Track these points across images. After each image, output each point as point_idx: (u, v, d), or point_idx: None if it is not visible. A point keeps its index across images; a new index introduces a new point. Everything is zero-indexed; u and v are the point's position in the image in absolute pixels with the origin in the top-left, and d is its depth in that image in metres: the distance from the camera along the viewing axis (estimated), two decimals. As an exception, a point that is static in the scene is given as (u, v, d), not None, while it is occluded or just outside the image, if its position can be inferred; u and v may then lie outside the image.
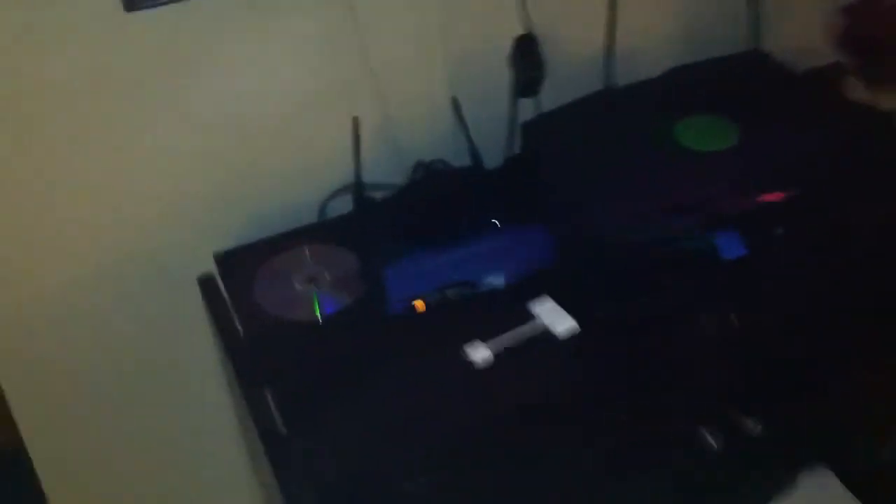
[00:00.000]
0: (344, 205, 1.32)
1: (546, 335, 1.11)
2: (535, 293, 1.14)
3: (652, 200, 1.11)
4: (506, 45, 1.32)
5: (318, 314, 1.15)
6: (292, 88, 1.28)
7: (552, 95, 1.33)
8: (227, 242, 1.29)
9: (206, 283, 1.26)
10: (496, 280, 1.15)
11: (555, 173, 1.21)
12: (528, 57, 1.30)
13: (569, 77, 1.36)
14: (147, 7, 1.12)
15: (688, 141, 1.19)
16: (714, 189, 1.12)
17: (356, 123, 1.22)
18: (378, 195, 1.30)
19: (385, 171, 1.33)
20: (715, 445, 1.15)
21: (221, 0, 1.17)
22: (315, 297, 1.17)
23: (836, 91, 1.35)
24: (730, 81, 1.29)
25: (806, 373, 1.24)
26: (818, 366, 1.23)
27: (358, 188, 1.26)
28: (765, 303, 1.12)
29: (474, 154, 1.28)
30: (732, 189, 1.12)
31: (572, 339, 1.10)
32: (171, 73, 1.20)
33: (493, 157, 1.35)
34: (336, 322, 1.15)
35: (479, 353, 1.08)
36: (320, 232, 1.28)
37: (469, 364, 1.08)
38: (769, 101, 1.26)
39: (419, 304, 1.12)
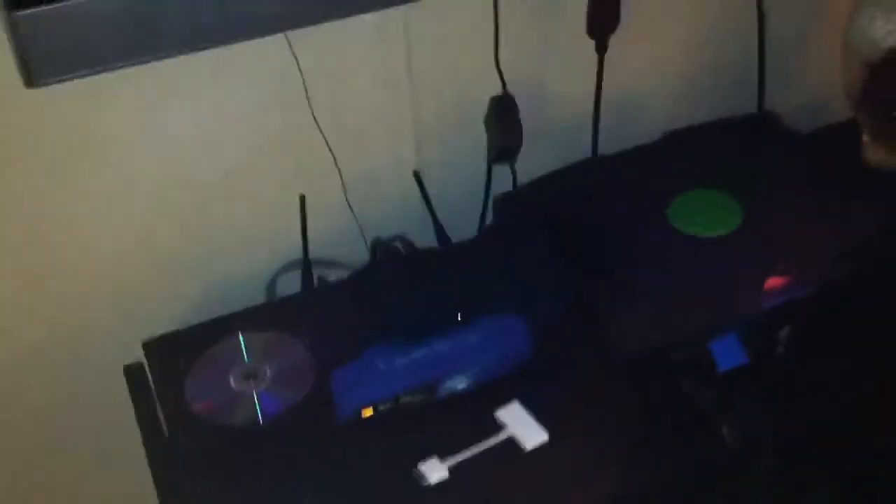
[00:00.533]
0: (295, 282, 1.17)
1: (512, 447, 0.96)
2: (506, 396, 1.00)
3: (637, 302, 0.96)
4: (481, 106, 1.18)
5: (256, 419, 1.00)
6: (237, 156, 1.13)
7: (535, 161, 1.18)
8: (163, 325, 1.14)
9: (133, 374, 1.11)
10: (459, 384, 1.00)
11: (530, 260, 1.06)
12: (504, 119, 1.15)
13: (551, 142, 1.22)
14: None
15: (684, 224, 1.04)
16: (711, 288, 0.96)
17: (303, 202, 1.07)
18: (332, 274, 1.15)
19: (341, 246, 1.18)
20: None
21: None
22: (255, 398, 1.02)
23: (852, 157, 1.20)
24: (733, 149, 1.15)
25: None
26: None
27: (305, 269, 1.11)
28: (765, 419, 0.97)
29: (440, 234, 1.13)
30: (735, 288, 0.97)
31: (540, 451, 0.96)
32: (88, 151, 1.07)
33: (465, 231, 1.20)
34: (274, 430, 1.00)
35: (434, 472, 0.93)
36: (264, 316, 1.13)
37: (422, 484, 0.93)
38: (778, 173, 1.10)
39: (368, 413, 0.97)
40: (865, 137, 1.22)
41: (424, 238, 1.18)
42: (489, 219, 1.23)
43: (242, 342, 1.07)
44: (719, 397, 0.93)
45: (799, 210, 1.05)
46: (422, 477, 0.93)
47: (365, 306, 1.06)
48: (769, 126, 1.20)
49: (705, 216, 1.04)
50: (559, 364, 1.02)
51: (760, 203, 1.05)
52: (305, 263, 1.10)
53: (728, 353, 0.94)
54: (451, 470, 0.93)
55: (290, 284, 1.17)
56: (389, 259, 1.12)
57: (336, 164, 1.14)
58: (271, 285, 1.17)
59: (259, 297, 1.18)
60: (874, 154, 1.21)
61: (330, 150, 1.13)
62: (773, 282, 0.98)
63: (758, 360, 0.95)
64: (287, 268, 1.17)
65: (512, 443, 0.96)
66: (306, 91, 1.08)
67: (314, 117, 1.10)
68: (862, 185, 1.12)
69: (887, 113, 1.22)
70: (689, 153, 1.13)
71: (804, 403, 0.97)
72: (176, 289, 1.19)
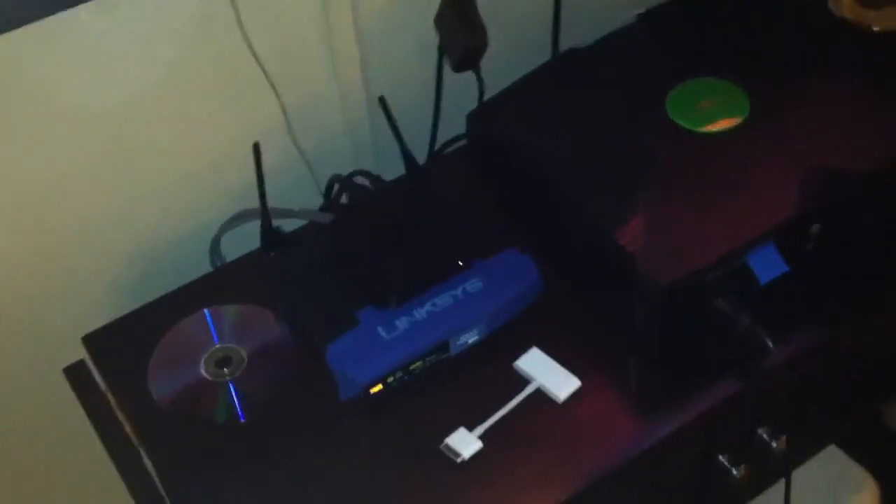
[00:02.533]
0: (243, 241, 1.02)
1: (544, 400, 0.86)
2: (522, 342, 0.89)
3: (662, 224, 0.85)
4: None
5: (236, 413, 0.87)
6: (156, 90, 0.94)
7: (494, 65, 1.04)
8: (97, 316, 0.97)
9: (76, 377, 0.95)
10: (471, 338, 0.88)
11: (523, 183, 0.93)
12: (464, 15, 0.99)
13: (512, 36, 1.07)
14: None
15: (686, 119, 0.92)
16: (741, 195, 0.86)
17: (257, 150, 0.90)
18: (286, 225, 0.99)
19: (287, 191, 1.02)
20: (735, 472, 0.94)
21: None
22: (230, 389, 0.88)
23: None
24: (726, 24, 1.02)
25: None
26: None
27: (266, 224, 0.95)
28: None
29: (410, 161, 0.98)
30: (758, 190, 0.86)
31: (575, 399, 0.85)
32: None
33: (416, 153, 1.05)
34: (265, 422, 0.86)
35: (466, 445, 0.82)
36: (223, 284, 0.97)
37: (456, 461, 0.82)
38: (777, 48, 0.99)
39: (377, 389, 0.85)
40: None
41: (383, 169, 1.03)
42: (441, 136, 1.10)
43: (210, 319, 0.92)
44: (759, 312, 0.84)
45: (804, 93, 0.95)
46: (453, 452, 0.82)
47: (343, 260, 0.92)
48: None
49: (710, 109, 0.93)
50: (576, 300, 0.92)
51: (763, 85, 0.94)
52: (265, 218, 0.94)
53: (768, 265, 0.85)
54: (483, 438, 0.83)
55: (239, 243, 1.01)
56: (358, 198, 0.97)
57: (277, 95, 0.97)
58: (215, 246, 1.00)
59: (203, 263, 1.01)
60: (845, 6, 1.12)
61: (268, 78, 0.96)
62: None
63: (797, 267, 0.86)
64: (232, 222, 1.01)
65: (542, 395, 0.86)
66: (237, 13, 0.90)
67: (247, 42, 0.92)
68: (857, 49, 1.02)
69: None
70: (678, 33, 1.00)
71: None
72: (106, 264, 1.01)
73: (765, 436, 0.96)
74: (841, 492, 1.29)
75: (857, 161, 0.88)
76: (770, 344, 0.83)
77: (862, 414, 1.29)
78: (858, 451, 1.33)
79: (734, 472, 0.95)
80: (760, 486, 1.09)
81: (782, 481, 1.05)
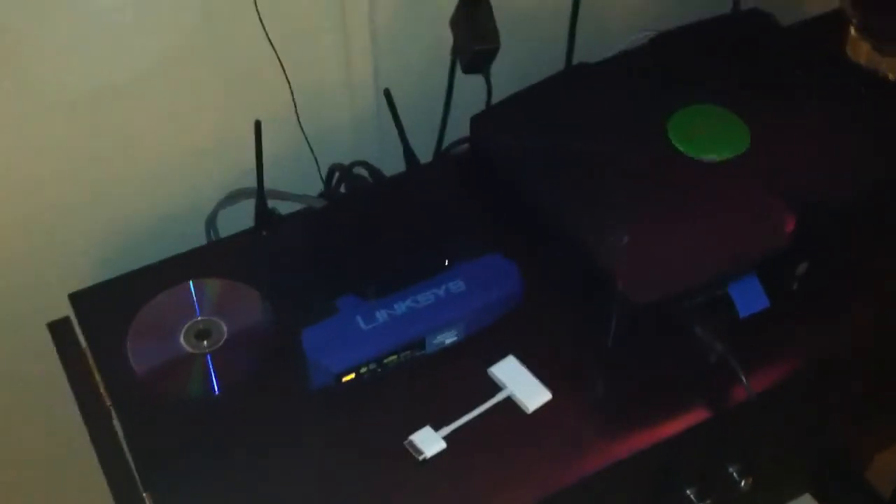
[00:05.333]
0: (240, 218, 1.03)
1: (513, 408, 0.86)
2: (499, 349, 0.89)
3: (649, 240, 0.85)
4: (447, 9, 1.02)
5: (211, 386, 0.87)
6: (165, 65, 0.95)
7: (509, 73, 1.04)
8: (88, 275, 0.98)
9: (59, 332, 0.96)
10: (448, 338, 0.88)
11: (517, 190, 0.93)
12: (476, 18, 0.99)
13: (529, 47, 1.07)
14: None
15: (685, 145, 0.92)
16: (730, 224, 0.86)
17: (258, 129, 0.91)
18: (283, 207, 1.00)
19: (291, 174, 1.03)
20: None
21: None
22: (207, 361, 0.88)
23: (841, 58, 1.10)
24: (730, 56, 1.02)
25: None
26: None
27: (261, 204, 0.96)
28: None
29: (410, 157, 0.99)
30: (751, 220, 0.86)
31: (543, 411, 0.86)
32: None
33: (422, 152, 1.05)
34: (236, 399, 0.87)
35: (430, 444, 0.83)
36: (212, 259, 0.98)
37: (417, 458, 0.82)
38: (780, 83, 0.99)
39: (349, 378, 0.85)
40: (852, 32, 1.12)
41: (382, 163, 1.04)
42: (449, 136, 1.10)
43: (193, 291, 0.93)
44: (735, 343, 0.84)
45: (806, 128, 0.95)
46: (416, 450, 0.83)
47: (331, 248, 0.92)
48: (765, 25, 1.07)
49: (710, 136, 0.93)
50: (555, 311, 0.92)
51: (766, 118, 0.94)
52: (260, 198, 0.95)
53: (749, 297, 0.85)
54: (447, 440, 0.84)
55: (234, 220, 1.02)
56: (355, 189, 0.98)
57: (287, 78, 0.98)
58: (212, 221, 1.01)
59: (198, 236, 1.02)
60: (859, 50, 1.12)
61: (281, 62, 0.97)
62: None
63: (778, 302, 0.86)
64: (229, 199, 1.02)
65: (512, 404, 0.86)
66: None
67: (261, 21, 0.93)
68: (863, 91, 1.02)
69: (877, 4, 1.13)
70: (685, 60, 1.01)
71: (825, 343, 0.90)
72: (99, 229, 1.03)
73: (734, 474, 0.96)
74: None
75: (849, 203, 0.88)
76: (743, 377, 0.84)
77: (843, 467, 1.29)
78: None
79: (699, 505, 0.95)
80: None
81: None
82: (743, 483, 0.95)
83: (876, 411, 1.15)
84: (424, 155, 1.08)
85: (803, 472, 1.17)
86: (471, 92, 1.07)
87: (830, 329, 0.91)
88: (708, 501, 0.94)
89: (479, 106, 1.04)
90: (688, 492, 0.94)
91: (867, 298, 0.93)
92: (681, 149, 0.92)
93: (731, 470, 0.96)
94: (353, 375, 0.85)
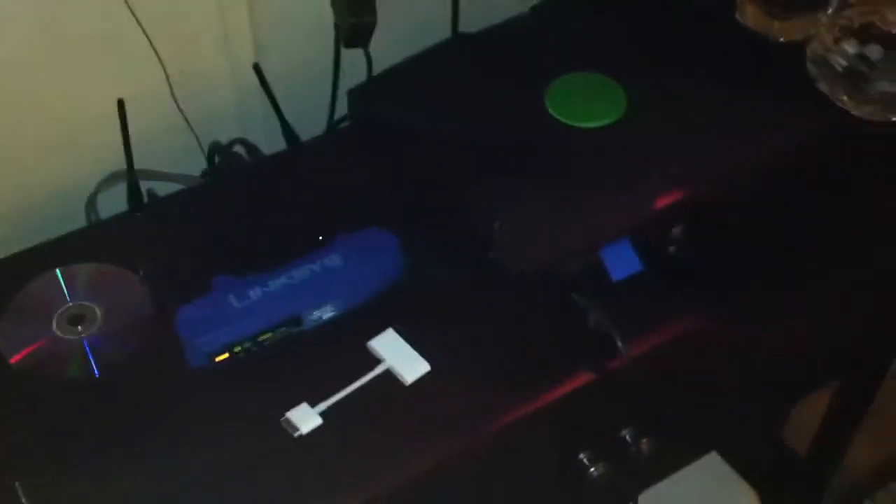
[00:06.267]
0: (120, 200, 1.00)
1: (391, 381, 0.85)
2: (378, 322, 0.88)
3: (522, 211, 0.85)
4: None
5: (89, 370, 0.85)
6: (31, 43, 0.93)
7: (389, 45, 1.03)
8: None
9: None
10: (325, 314, 0.87)
11: (396, 163, 0.92)
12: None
13: (414, 20, 1.06)
14: None
15: (563, 113, 0.92)
16: (602, 191, 0.86)
17: (121, 107, 0.89)
18: (162, 188, 0.98)
19: (172, 154, 1.01)
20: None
21: None
22: (84, 345, 0.87)
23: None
24: (614, 22, 1.02)
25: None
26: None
27: (132, 184, 0.94)
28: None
29: (289, 135, 0.97)
30: (621, 188, 0.86)
31: (422, 384, 0.85)
32: None
33: (311, 129, 1.05)
34: (111, 383, 0.85)
35: (305, 420, 0.82)
36: (85, 244, 0.96)
37: (293, 434, 0.81)
38: (661, 47, 0.99)
39: (223, 358, 0.84)
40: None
41: (267, 140, 1.02)
42: (339, 112, 1.09)
43: (61, 278, 0.91)
44: (612, 308, 0.85)
45: (687, 94, 0.95)
46: (292, 426, 0.82)
47: (207, 227, 0.91)
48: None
49: (587, 104, 0.93)
50: (434, 284, 0.91)
51: (646, 85, 0.94)
52: (131, 177, 0.93)
53: (621, 261, 0.85)
54: (324, 415, 0.83)
55: (115, 202, 1.00)
56: (232, 168, 0.96)
57: (156, 53, 0.96)
58: (91, 204, 0.99)
59: (78, 220, 1.00)
60: (751, 15, 1.12)
61: (147, 36, 0.95)
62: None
63: (652, 266, 0.86)
64: (109, 182, 1.00)
65: (390, 376, 0.86)
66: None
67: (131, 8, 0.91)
68: (748, 58, 1.03)
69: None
70: (565, 27, 1.00)
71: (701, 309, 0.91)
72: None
73: (628, 437, 0.97)
74: (719, 501, 1.30)
75: (725, 166, 0.89)
76: (619, 341, 0.84)
77: (754, 423, 1.30)
78: (743, 462, 1.34)
79: (592, 470, 0.95)
80: (632, 491, 1.09)
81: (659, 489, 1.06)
82: (639, 445, 0.96)
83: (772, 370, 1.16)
84: (316, 133, 1.07)
85: (707, 431, 1.17)
86: (362, 67, 1.06)
87: (710, 293, 0.92)
88: (601, 465, 0.94)
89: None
90: (580, 456, 0.95)
91: (753, 262, 0.94)
92: (558, 118, 0.92)
93: (623, 433, 0.97)
94: (226, 355, 0.84)
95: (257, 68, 0.94)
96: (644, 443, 0.96)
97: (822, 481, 1.45)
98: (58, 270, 0.90)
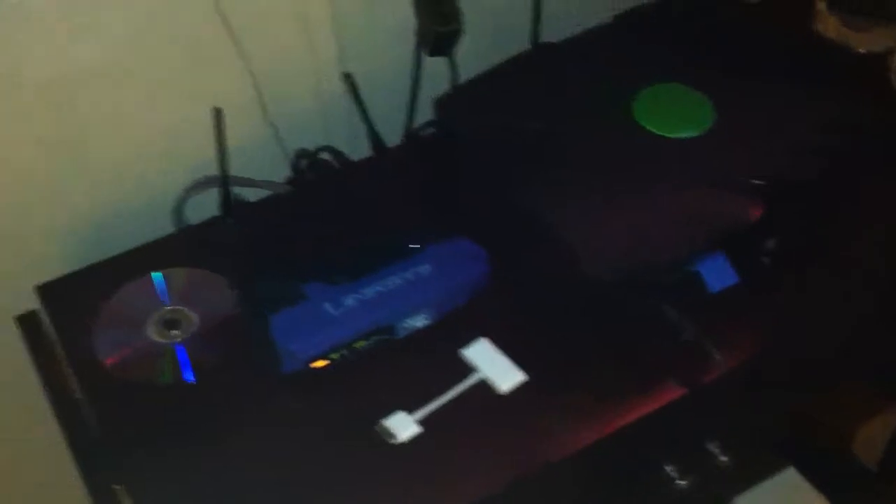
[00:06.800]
0: (207, 206, 1.01)
1: (486, 391, 0.86)
2: (470, 331, 0.89)
3: (615, 218, 0.85)
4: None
5: (184, 376, 0.87)
6: (127, 54, 0.94)
7: (475, 55, 1.03)
8: (52, 265, 0.97)
9: (28, 325, 0.95)
10: (418, 322, 0.88)
11: (484, 172, 0.92)
12: (437, 1, 0.99)
13: (494, 28, 1.06)
14: None
15: (651, 123, 0.92)
16: (697, 201, 0.86)
17: (218, 116, 0.90)
18: (249, 194, 0.99)
19: (256, 161, 1.02)
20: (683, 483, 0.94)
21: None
22: (174, 351, 0.88)
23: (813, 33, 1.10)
24: (695, 33, 1.02)
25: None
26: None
27: (224, 192, 0.95)
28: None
29: (376, 142, 0.98)
30: (717, 196, 0.86)
31: (517, 393, 0.86)
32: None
33: (389, 137, 1.05)
34: (205, 388, 0.86)
35: (403, 428, 0.83)
36: (179, 247, 0.97)
37: (391, 442, 0.82)
38: (746, 59, 0.99)
39: (320, 364, 0.85)
40: (820, 6, 1.12)
41: (351, 147, 1.03)
42: (418, 119, 1.09)
43: (159, 282, 0.92)
44: (704, 321, 0.85)
45: (771, 103, 0.94)
46: (389, 434, 0.82)
47: (297, 234, 0.92)
48: (726, 1, 1.07)
49: (675, 114, 0.93)
50: (521, 294, 0.92)
51: (731, 95, 0.94)
52: (224, 184, 0.94)
53: (718, 274, 0.85)
54: (422, 423, 0.83)
55: (204, 208, 1.01)
56: (320, 175, 0.97)
57: (248, 67, 0.97)
58: (178, 210, 1.00)
59: (165, 226, 1.01)
60: (830, 26, 1.11)
61: (238, 49, 0.96)
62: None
63: (747, 278, 0.86)
64: (196, 187, 1.01)
65: (485, 386, 0.86)
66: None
67: (221, 13, 0.92)
68: (831, 68, 1.02)
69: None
70: (649, 37, 1.00)
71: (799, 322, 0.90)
72: (64, 220, 1.01)
73: (713, 450, 0.97)
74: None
75: (813, 174, 0.88)
76: (715, 353, 0.84)
77: (827, 440, 1.29)
78: (818, 476, 1.33)
79: (679, 483, 0.95)
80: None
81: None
82: (723, 458, 0.96)
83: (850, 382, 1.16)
84: (395, 139, 1.07)
85: (785, 446, 1.17)
86: (440, 74, 1.06)
87: (802, 305, 0.92)
88: (689, 478, 0.94)
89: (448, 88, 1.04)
90: (667, 469, 0.95)
91: (840, 274, 0.94)
92: (647, 127, 0.92)
93: (709, 446, 0.97)
94: (323, 361, 0.85)
95: (348, 77, 0.95)
96: (729, 456, 0.96)
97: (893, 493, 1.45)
98: (156, 273, 0.91)
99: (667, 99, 0.95)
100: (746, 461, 0.98)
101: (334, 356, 0.85)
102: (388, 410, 0.83)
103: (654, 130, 0.92)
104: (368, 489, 0.80)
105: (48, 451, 1.05)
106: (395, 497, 0.80)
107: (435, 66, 1.06)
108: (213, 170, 1.00)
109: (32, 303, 0.95)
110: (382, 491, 0.80)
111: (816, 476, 1.27)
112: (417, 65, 1.06)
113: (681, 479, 0.94)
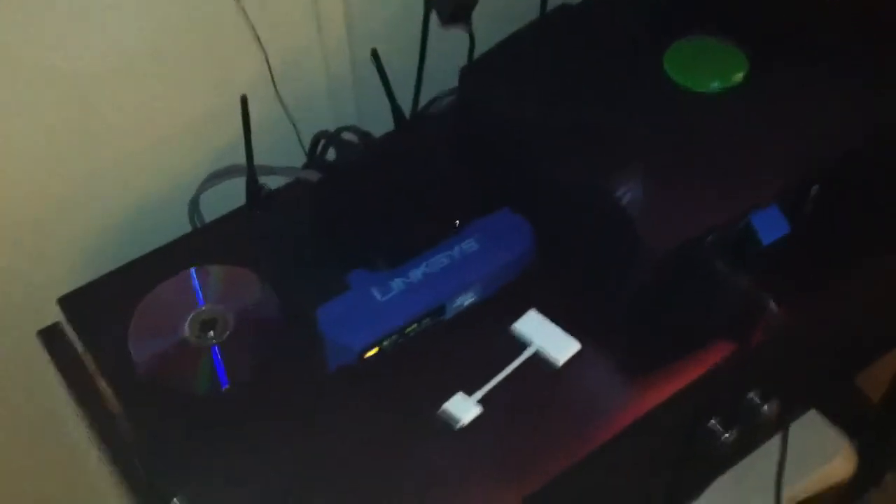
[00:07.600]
0: (222, 200, 0.98)
1: (542, 363, 0.84)
2: (519, 306, 0.86)
3: (661, 186, 0.83)
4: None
5: (219, 378, 0.83)
6: (133, 41, 0.89)
7: (486, 22, 1.00)
8: (73, 276, 0.93)
9: (52, 339, 0.90)
10: (466, 300, 0.85)
11: (517, 141, 0.89)
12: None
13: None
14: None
15: (685, 78, 0.90)
16: (743, 156, 0.84)
17: (244, 103, 0.86)
18: (269, 182, 0.95)
19: (269, 148, 0.98)
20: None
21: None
22: (215, 352, 0.84)
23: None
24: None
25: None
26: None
27: (251, 181, 0.91)
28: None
29: (399, 116, 0.94)
30: (758, 152, 0.84)
31: (575, 363, 0.83)
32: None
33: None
34: (253, 388, 0.83)
35: (465, 411, 0.80)
36: (203, 245, 0.93)
37: (454, 427, 0.79)
38: (787, 13, 0.96)
39: (372, 353, 0.82)
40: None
41: (364, 126, 0.99)
42: (425, 94, 1.06)
43: (195, 281, 0.88)
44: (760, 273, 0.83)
45: (809, 58, 0.92)
46: (451, 418, 0.80)
47: (331, 220, 0.88)
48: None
49: (708, 68, 0.90)
50: (568, 263, 0.89)
51: (765, 48, 0.92)
52: (251, 174, 0.90)
53: (770, 225, 0.83)
54: (483, 403, 0.81)
55: (217, 203, 0.97)
56: (345, 156, 0.93)
57: (263, 49, 0.92)
58: (195, 206, 0.96)
59: (182, 222, 0.97)
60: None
61: (255, 32, 0.91)
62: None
63: (797, 227, 0.85)
64: (212, 180, 0.97)
65: (539, 359, 0.84)
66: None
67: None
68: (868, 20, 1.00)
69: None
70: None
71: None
72: (78, 228, 0.97)
73: (756, 399, 0.96)
74: (819, 455, 1.30)
75: (855, 125, 0.87)
76: (772, 304, 0.82)
77: (841, 378, 1.29)
78: (834, 415, 1.34)
79: (725, 435, 0.94)
80: (747, 449, 1.09)
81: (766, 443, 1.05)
82: (766, 408, 0.95)
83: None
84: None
85: (815, 391, 1.17)
86: (445, 48, 1.03)
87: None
88: (733, 430, 0.93)
89: (454, 61, 1.00)
90: (713, 421, 0.94)
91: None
92: (680, 83, 0.90)
93: (752, 396, 0.96)
94: (376, 350, 0.82)
95: (374, 53, 0.91)
96: (772, 405, 0.95)
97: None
98: (192, 270, 0.87)
99: (698, 53, 0.92)
100: (784, 408, 0.97)
101: (386, 343, 0.82)
102: (446, 394, 0.81)
103: (688, 86, 0.89)
104: (437, 478, 0.78)
105: (76, 465, 1.02)
106: (470, 482, 0.78)
107: (437, 41, 1.03)
108: (224, 161, 0.97)
109: (53, 317, 0.91)
110: (452, 476, 0.78)
111: (832, 415, 1.28)
112: (424, 37, 1.03)
113: (726, 431, 0.94)
